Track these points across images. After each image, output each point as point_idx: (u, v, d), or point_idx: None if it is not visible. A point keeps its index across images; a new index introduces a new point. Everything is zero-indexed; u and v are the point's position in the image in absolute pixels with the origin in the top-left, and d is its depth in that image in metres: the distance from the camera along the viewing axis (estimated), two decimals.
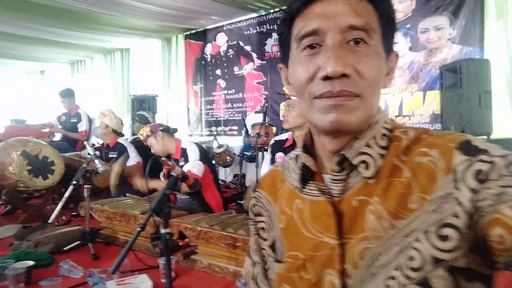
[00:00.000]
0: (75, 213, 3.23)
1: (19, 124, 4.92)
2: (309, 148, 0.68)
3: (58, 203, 2.76)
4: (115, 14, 5.31)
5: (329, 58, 0.55)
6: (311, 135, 0.68)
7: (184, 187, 1.94)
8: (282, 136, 2.36)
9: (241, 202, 3.77)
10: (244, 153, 4.24)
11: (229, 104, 6.40)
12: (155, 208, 1.41)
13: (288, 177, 0.72)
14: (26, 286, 1.90)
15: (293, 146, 2.23)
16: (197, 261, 1.98)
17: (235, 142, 5.22)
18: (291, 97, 2.13)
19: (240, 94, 6.25)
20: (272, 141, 2.38)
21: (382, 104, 4.76)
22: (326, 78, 0.55)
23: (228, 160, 4.46)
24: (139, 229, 1.38)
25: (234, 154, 4.54)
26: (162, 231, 1.42)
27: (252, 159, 4.12)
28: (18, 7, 4.77)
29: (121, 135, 3.83)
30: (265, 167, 2.38)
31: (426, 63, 4.52)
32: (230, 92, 6.39)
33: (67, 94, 4.81)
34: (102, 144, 3.76)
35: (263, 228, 0.75)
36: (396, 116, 4.67)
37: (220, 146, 4.53)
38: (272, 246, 0.72)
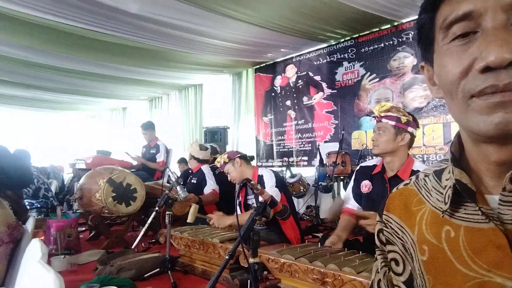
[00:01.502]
0: (153, 240, 3.29)
1: (104, 155, 5.28)
2: (459, 161, 0.55)
3: (137, 230, 2.82)
4: (190, 51, 5.61)
5: (491, 43, 0.43)
6: (460, 145, 0.55)
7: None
8: (369, 163, 2.19)
9: (318, 235, 3.58)
10: (319, 183, 4.07)
11: (299, 135, 6.32)
12: (244, 236, 1.32)
13: (429, 198, 0.59)
14: None
15: (382, 173, 2.04)
16: None
17: (307, 172, 5.07)
18: (382, 120, 1.98)
19: (310, 124, 6.16)
20: (357, 168, 2.22)
21: None
22: (487, 69, 0.43)
23: (302, 190, 4.32)
24: (228, 258, 1.29)
25: (308, 184, 4.39)
26: (251, 260, 1.32)
27: (328, 189, 3.94)
28: (103, 49, 5.24)
29: (205, 162, 3.99)
30: (348, 196, 2.21)
31: None
32: (300, 122, 6.33)
33: (148, 126, 5.12)
34: (187, 169, 4.05)
35: (395, 260, 0.61)
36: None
37: (293, 176, 4.41)
38: (408, 283, 0.58)
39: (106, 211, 3.17)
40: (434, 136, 4.60)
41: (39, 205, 4.22)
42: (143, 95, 9.11)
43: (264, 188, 2.69)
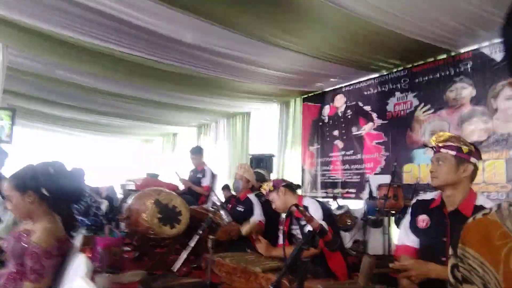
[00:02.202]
0: (195, 265, 3.25)
1: (153, 177, 5.43)
2: None
3: (180, 254, 2.79)
4: (239, 80, 5.73)
5: None
6: None
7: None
8: (427, 196, 2.03)
9: None
10: (368, 216, 3.87)
11: (347, 165, 6.13)
12: (290, 265, 1.24)
13: None
14: None
15: (441, 207, 1.87)
16: None
17: (353, 205, 4.85)
18: (440, 150, 1.84)
19: (358, 155, 5.97)
20: (414, 201, 2.06)
21: None
22: None
23: (349, 223, 4.12)
24: None
25: (356, 217, 4.18)
26: None
27: (377, 224, 3.72)
28: (157, 76, 5.49)
29: (254, 190, 3.92)
30: (403, 232, 2.04)
31: None
32: (347, 153, 6.16)
33: (197, 151, 5.25)
34: (234, 196, 3.93)
35: None
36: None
37: (339, 208, 4.24)
38: None
39: (152, 232, 3.19)
40: (496, 172, 4.25)
41: (89, 223, 4.36)
42: (193, 121, 9.41)
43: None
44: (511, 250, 0.49)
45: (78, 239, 3.02)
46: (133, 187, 4.95)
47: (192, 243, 2.31)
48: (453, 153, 1.80)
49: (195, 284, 2.45)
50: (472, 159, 1.82)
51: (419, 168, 5.07)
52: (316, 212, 2.62)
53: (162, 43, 4.33)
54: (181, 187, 5.16)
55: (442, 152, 1.83)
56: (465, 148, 1.80)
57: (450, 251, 0.56)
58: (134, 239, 3.29)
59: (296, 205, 1.47)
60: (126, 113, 8.08)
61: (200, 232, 2.34)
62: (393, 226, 3.75)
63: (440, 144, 1.83)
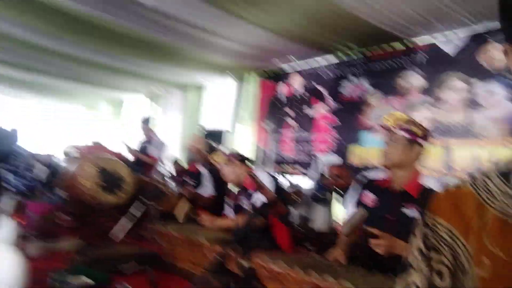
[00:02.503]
0: (138, 234, 3.12)
1: (98, 145, 5.14)
2: None
3: (123, 223, 2.66)
4: (194, 48, 5.49)
5: None
6: None
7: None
8: (376, 176, 2.06)
9: (308, 245, 3.43)
10: (315, 194, 3.94)
11: (298, 145, 6.21)
12: (238, 236, 1.18)
13: (492, 203, 0.47)
14: None
15: (389, 187, 1.91)
16: None
17: (302, 183, 4.93)
18: (395, 131, 1.86)
19: (309, 135, 6.06)
20: (363, 179, 2.09)
21: (470, 157, 4.26)
22: None
23: (296, 199, 4.17)
24: (218, 259, 1.15)
25: (304, 194, 4.25)
26: (244, 264, 1.17)
27: (323, 201, 3.81)
28: (105, 36, 5.11)
29: (206, 163, 3.81)
30: (351, 209, 2.07)
31: None
32: (299, 132, 6.23)
33: (146, 121, 5.03)
34: (184, 169, 3.81)
35: (438, 272, 0.47)
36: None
37: (288, 184, 4.28)
38: None
39: (92, 199, 3.00)
40: (435, 159, 4.49)
41: (23, 188, 4.05)
42: (143, 89, 8.98)
43: None
44: (485, 220, 0.45)
45: (7, 203, 2.78)
46: (75, 154, 4.64)
47: (135, 212, 2.19)
48: (407, 135, 1.83)
49: (136, 254, 2.34)
50: (424, 142, 1.86)
51: (365, 150, 5.25)
52: (269, 186, 2.59)
53: (117, 1, 4.01)
54: (129, 156, 4.93)
55: (396, 133, 1.85)
56: (418, 131, 1.83)
57: (419, 220, 0.53)
58: (71, 205, 3.08)
59: (251, 174, 1.41)
60: (70, 75, 7.49)
61: (145, 201, 2.22)
62: (338, 204, 3.86)
63: (395, 125, 1.85)
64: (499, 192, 0.47)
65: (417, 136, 1.82)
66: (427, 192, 1.79)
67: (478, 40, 4.34)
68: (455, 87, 4.51)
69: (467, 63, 4.42)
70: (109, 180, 2.97)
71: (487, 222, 0.45)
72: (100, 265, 2.22)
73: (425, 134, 1.87)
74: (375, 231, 1.56)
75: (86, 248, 2.48)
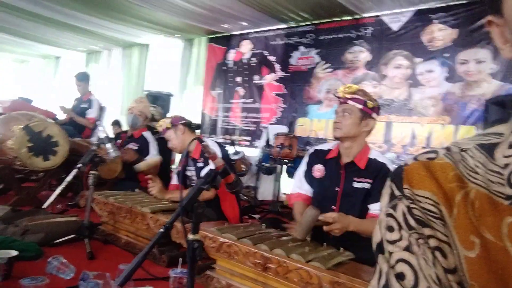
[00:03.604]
0: (73, 203, 2.91)
1: (26, 102, 4.65)
2: None
3: (55, 190, 2.44)
4: (139, 3, 5.08)
5: None
6: None
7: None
8: (324, 146, 2.05)
9: (255, 216, 3.45)
10: (262, 163, 3.94)
11: (245, 113, 6.14)
12: (186, 206, 1.10)
13: (472, 177, 0.43)
14: (4, 282, 1.56)
15: (337, 158, 1.92)
16: (213, 279, 1.65)
17: (249, 152, 4.92)
18: (347, 102, 1.83)
19: (257, 104, 6.01)
20: (311, 150, 2.07)
21: (409, 134, 4.50)
22: None
23: (243, 169, 4.15)
24: (163, 230, 1.06)
25: (250, 163, 4.24)
26: (190, 237, 1.10)
27: (270, 171, 3.82)
28: None
29: (150, 128, 3.58)
30: (298, 180, 2.06)
31: (462, 96, 4.27)
32: (247, 101, 6.15)
33: (83, 78, 4.59)
34: (125, 133, 3.55)
35: (440, 250, 0.42)
36: (423, 147, 4.40)
37: (236, 153, 4.22)
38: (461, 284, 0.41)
39: (19, 162, 2.71)
40: (376, 133, 4.68)
41: None
42: (81, 45, 8.24)
43: (207, 163, 2.47)
44: (468, 194, 0.41)
45: None
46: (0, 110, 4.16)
47: (69, 178, 2.00)
48: (360, 106, 1.82)
49: (69, 223, 2.18)
50: (374, 115, 1.87)
51: (311, 123, 5.34)
52: (217, 152, 2.50)
53: None
54: (61, 116, 4.51)
55: (348, 104, 1.83)
56: (370, 103, 1.83)
57: (397, 192, 0.47)
58: None
59: (200, 139, 1.32)
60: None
61: (80, 165, 2.03)
62: (284, 174, 3.90)
63: (348, 96, 1.83)
64: (481, 166, 0.43)
65: (368, 108, 1.82)
66: (375, 164, 1.82)
67: (422, 19, 4.48)
68: (398, 64, 4.67)
69: (410, 40, 4.57)
70: (40, 143, 2.69)
71: (470, 198, 0.41)
72: (30, 236, 2.04)
73: (377, 107, 1.88)
74: (328, 218, 1.56)
75: (13, 216, 2.26)
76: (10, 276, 1.61)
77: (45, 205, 2.25)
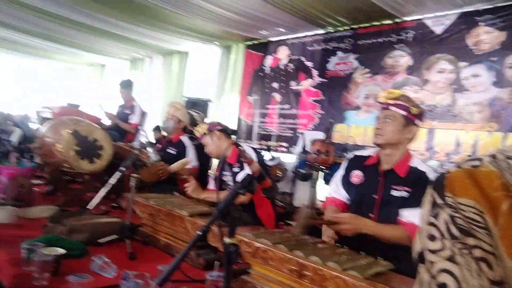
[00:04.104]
0: (115, 204, 3.04)
1: (74, 107, 4.91)
2: None
3: (99, 191, 2.56)
4: (179, 12, 5.23)
5: None
6: None
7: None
8: (364, 152, 2.01)
9: (290, 222, 3.43)
10: (299, 170, 3.92)
11: (282, 119, 6.14)
12: (222, 211, 1.12)
13: None
14: (52, 278, 1.65)
15: (376, 165, 1.87)
16: (248, 284, 1.66)
17: (285, 158, 4.91)
18: (389, 108, 1.79)
19: (294, 110, 5.99)
20: (350, 156, 2.04)
21: (453, 141, 4.30)
22: None
23: (279, 174, 4.15)
24: (200, 233, 1.08)
25: (286, 169, 4.23)
26: (227, 241, 1.12)
27: (306, 177, 3.79)
28: None
29: (188, 132, 3.68)
30: (335, 185, 2.04)
31: (511, 102, 4.04)
32: (284, 106, 6.14)
33: (127, 85, 4.81)
34: (165, 138, 3.67)
35: (485, 261, 0.40)
36: (469, 156, 4.18)
37: (272, 159, 4.23)
38: None
39: (67, 165, 2.87)
40: (418, 141, 4.51)
41: None
42: (124, 53, 8.61)
43: (243, 168, 2.49)
44: None
45: None
46: (49, 115, 4.43)
47: (112, 181, 2.09)
48: (403, 112, 1.76)
49: (112, 223, 2.26)
50: (417, 122, 1.81)
51: (349, 129, 5.24)
52: (253, 157, 2.52)
53: None
54: (106, 121, 4.74)
55: (391, 110, 1.78)
56: (414, 110, 1.77)
57: (439, 200, 0.45)
58: (46, 171, 2.94)
59: (237, 144, 1.34)
60: (47, 34, 7.07)
61: (123, 169, 2.12)
62: (321, 181, 3.85)
63: (391, 102, 1.78)
64: None
65: (411, 114, 1.77)
66: (416, 173, 1.76)
67: (467, 21, 4.30)
68: (441, 69, 4.49)
69: (454, 44, 4.39)
70: (86, 146, 2.83)
71: None
72: (76, 235, 2.14)
73: (421, 114, 1.82)
74: (335, 219, 1.55)
75: (61, 216, 2.39)
76: (58, 272, 1.70)
77: (90, 206, 2.37)
